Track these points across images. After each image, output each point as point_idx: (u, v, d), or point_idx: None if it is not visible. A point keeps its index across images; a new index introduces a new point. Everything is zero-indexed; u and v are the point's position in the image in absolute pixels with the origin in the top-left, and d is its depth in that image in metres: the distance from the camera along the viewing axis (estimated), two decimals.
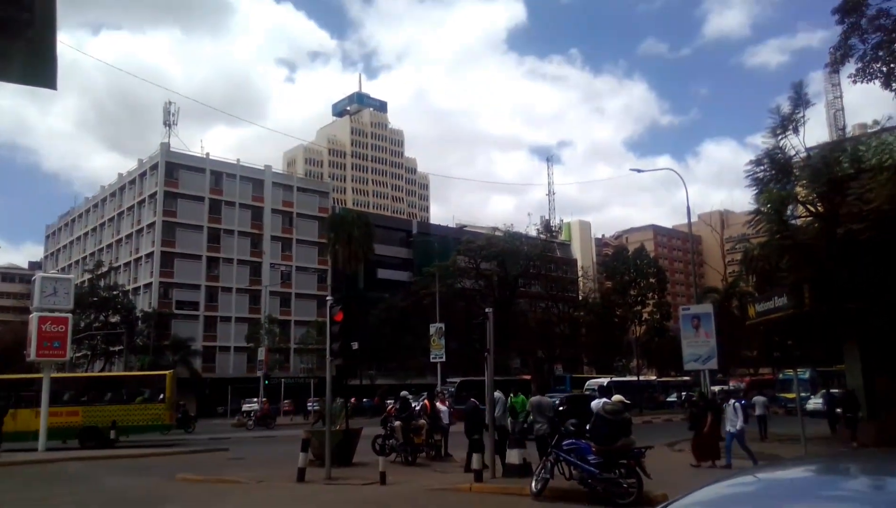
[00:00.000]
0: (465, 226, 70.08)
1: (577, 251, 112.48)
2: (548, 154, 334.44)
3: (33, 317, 24.94)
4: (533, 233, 55.97)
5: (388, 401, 25.99)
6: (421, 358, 52.52)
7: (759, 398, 25.98)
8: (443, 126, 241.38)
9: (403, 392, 20.50)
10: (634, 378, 56.24)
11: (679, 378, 59.91)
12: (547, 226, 60.68)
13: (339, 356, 15.61)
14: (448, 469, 16.27)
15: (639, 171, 50.35)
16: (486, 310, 15.46)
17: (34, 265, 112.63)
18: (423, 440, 18.02)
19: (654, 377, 66.87)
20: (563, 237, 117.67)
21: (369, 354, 59.35)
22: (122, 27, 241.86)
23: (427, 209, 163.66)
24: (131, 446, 26.50)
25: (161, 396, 27.68)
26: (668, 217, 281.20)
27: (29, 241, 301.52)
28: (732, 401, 16.46)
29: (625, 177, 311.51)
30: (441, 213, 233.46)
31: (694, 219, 37.09)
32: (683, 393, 53.89)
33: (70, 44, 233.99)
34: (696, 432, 16.78)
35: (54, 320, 24.78)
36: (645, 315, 59.24)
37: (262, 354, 51.65)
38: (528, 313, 54.79)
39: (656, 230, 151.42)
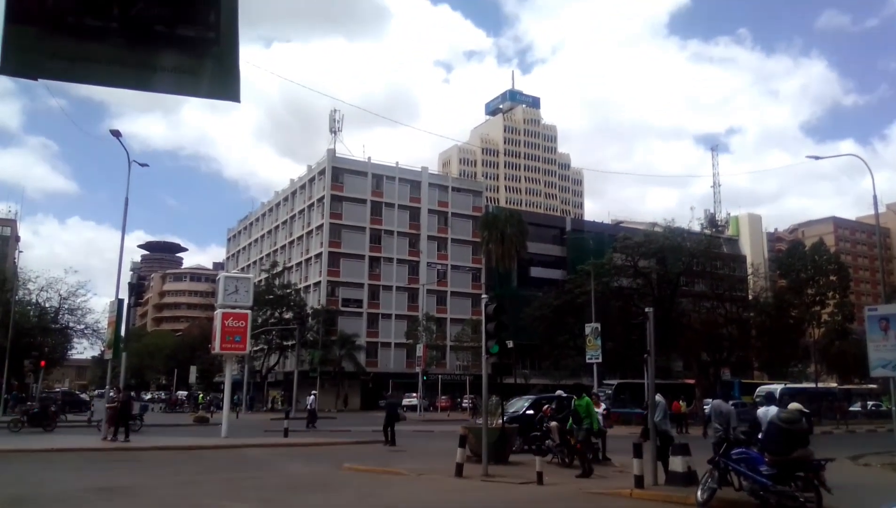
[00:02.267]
0: (622, 222, 68.01)
1: (746, 247, 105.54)
2: (714, 143, 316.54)
3: (217, 313, 27.36)
4: (696, 228, 53.01)
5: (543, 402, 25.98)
6: (576, 358, 51.64)
7: None
8: (599, 118, 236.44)
9: (559, 392, 20.28)
10: (812, 385, 51.83)
11: (864, 386, 54.43)
12: (712, 220, 57.43)
13: (494, 354, 15.73)
14: (607, 473, 15.86)
15: (817, 158, 46.34)
16: (646, 310, 14.88)
17: (218, 266, 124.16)
18: None
19: (834, 385, 61.29)
20: (730, 232, 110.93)
21: (523, 352, 59.34)
22: (291, 39, 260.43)
23: (581, 206, 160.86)
24: (301, 435, 28.35)
25: None
26: (852, 208, 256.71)
27: (213, 243, 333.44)
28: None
29: (801, 165, 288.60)
30: (596, 209, 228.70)
31: (882, 209, 33.48)
32: (869, 403, 48.99)
33: (246, 58, 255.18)
34: None
35: (236, 316, 26.99)
36: (824, 317, 54.36)
37: (420, 350, 53.36)
38: (691, 313, 52.06)
39: (837, 223, 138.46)
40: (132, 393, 27.08)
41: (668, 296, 49.16)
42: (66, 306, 52.46)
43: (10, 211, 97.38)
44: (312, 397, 36.77)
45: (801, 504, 9.93)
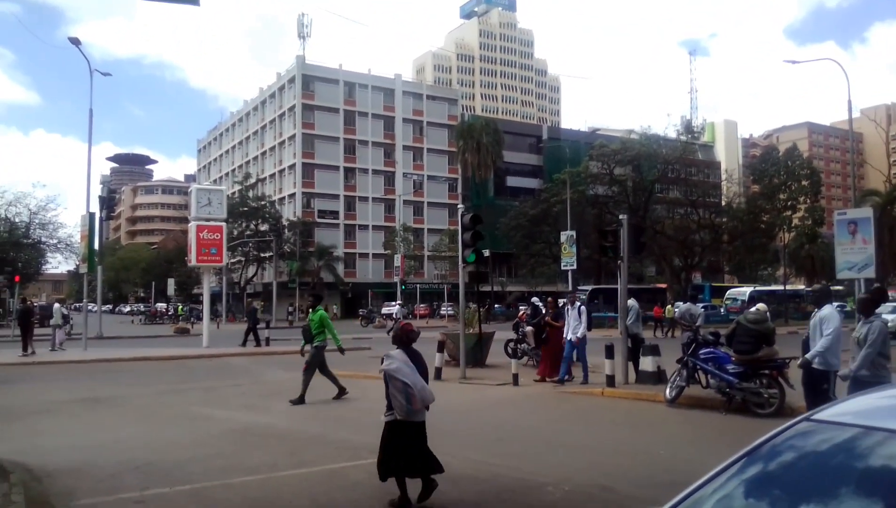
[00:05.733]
0: (598, 129, 67.47)
1: (721, 153, 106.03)
2: (693, 47, 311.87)
3: (192, 226, 27.10)
4: (672, 135, 52.75)
5: (521, 307, 26.45)
6: (551, 265, 52.40)
7: None
8: (576, 22, 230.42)
9: (534, 299, 20.69)
10: (780, 288, 53.38)
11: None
12: (688, 127, 56.70)
13: (471, 263, 15.85)
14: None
15: (794, 62, 45.72)
16: (621, 216, 15.01)
17: (189, 178, 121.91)
18: None
19: (802, 287, 63.19)
20: (705, 138, 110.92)
21: (500, 261, 59.96)
22: None
23: (558, 113, 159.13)
24: (281, 344, 28.76)
25: None
26: (827, 114, 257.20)
27: (183, 154, 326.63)
28: (578, 304, 14.36)
29: (779, 70, 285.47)
30: (573, 116, 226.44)
31: (856, 115, 33.55)
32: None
33: None
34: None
35: (210, 228, 26.77)
36: (795, 221, 55.25)
37: (397, 260, 53.68)
38: (664, 219, 52.64)
39: (811, 128, 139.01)
40: (30, 303, 26.33)
41: (643, 203, 49.59)
42: (36, 221, 51.52)
43: None
44: (397, 307, 38.83)
45: (766, 399, 10.41)
